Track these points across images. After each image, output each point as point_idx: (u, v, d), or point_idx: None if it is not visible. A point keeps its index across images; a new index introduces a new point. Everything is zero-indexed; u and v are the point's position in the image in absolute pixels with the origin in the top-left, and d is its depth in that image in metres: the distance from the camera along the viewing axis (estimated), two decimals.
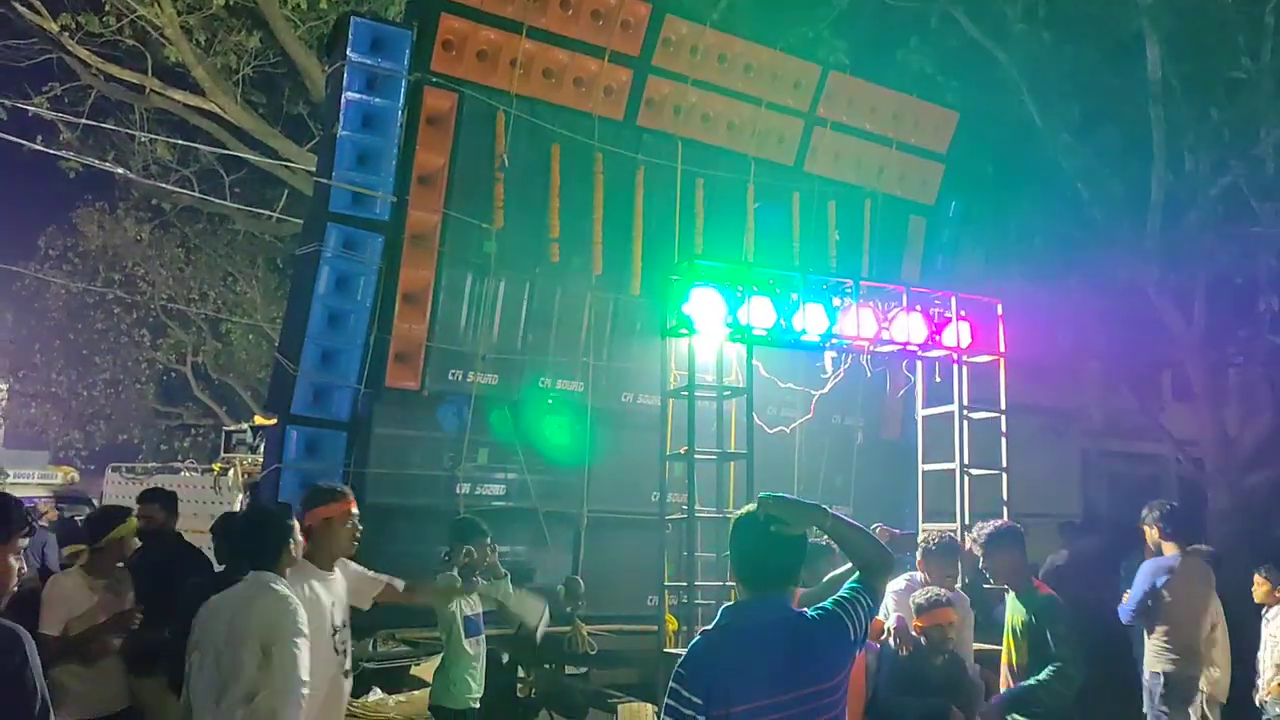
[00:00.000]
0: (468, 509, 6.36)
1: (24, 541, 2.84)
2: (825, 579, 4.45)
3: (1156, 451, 13.86)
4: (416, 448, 6.42)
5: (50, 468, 21.04)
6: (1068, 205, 11.44)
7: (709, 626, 2.90)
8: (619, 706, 7.17)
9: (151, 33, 13.20)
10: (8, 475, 18.15)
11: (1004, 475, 6.90)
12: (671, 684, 2.72)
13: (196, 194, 15.16)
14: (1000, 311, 6.98)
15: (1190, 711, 7.17)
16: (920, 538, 5.65)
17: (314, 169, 7.56)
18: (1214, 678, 7.16)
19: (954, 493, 6.75)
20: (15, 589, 2.91)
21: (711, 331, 6.08)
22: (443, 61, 6.37)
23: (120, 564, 5.17)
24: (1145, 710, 6.83)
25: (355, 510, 4.30)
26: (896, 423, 8.26)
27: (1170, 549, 6.76)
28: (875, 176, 8.22)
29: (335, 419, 6.21)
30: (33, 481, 19.35)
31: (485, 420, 6.63)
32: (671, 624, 6.15)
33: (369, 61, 6.20)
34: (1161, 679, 6.66)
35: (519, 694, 7.14)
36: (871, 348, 6.57)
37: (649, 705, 6.92)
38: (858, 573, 2.94)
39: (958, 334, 6.77)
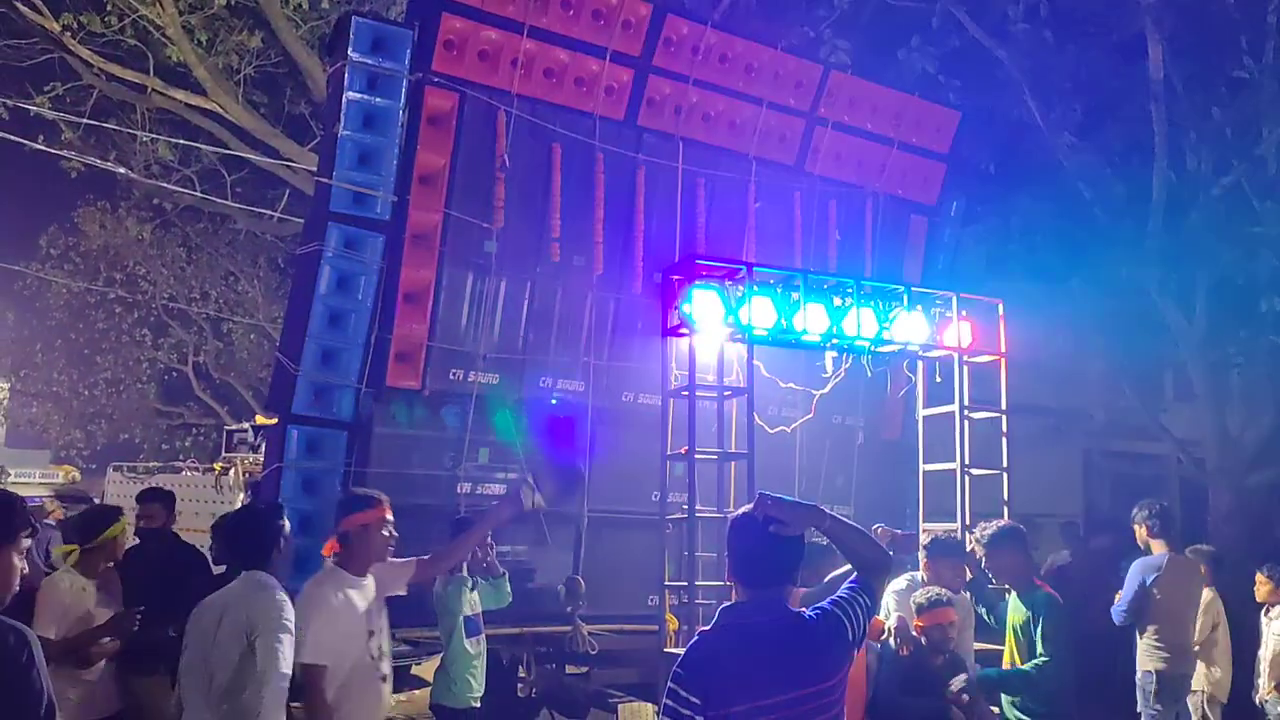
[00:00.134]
0: (469, 508, 6.37)
1: (27, 541, 2.84)
2: (826, 579, 4.46)
3: (1158, 452, 13.83)
4: (417, 447, 6.42)
5: (52, 467, 21.05)
6: (1069, 205, 11.44)
7: (707, 627, 2.90)
8: (620, 706, 7.17)
9: (153, 32, 13.21)
10: (9, 474, 18.18)
11: (1005, 475, 6.90)
12: (670, 684, 2.72)
13: (198, 194, 15.17)
14: (1001, 311, 6.98)
15: (1191, 711, 7.19)
16: (926, 538, 5.64)
17: (315, 169, 7.56)
18: (1215, 678, 7.18)
19: (955, 493, 6.75)
20: (18, 588, 2.92)
21: (712, 331, 6.08)
22: (444, 61, 6.37)
23: (109, 564, 5.17)
24: (1139, 709, 6.86)
25: (390, 516, 4.27)
26: (897, 423, 8.26)
27: (1159, 547, 6.81)
28: (876, 176, 8.21)
29: (336, 419, 6.21)
30: (34, 481, 19.37)
31: (486, 420, 6.64)
32: (672, 624, 6.15)
33: (370, 61, 6.20)
34: (1153, 677, 6.71)
35: (519, 693, 7.15)
36: (872, 348, 6.58)
37: (649, 705, 6.93)
38: (856, 573, 2.95)
39: (959, 334, 6.77)
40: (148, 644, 5.04)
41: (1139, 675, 6.83)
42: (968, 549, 5.59)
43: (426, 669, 7.42)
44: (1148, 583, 6.71)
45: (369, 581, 4.20)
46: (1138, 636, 6.87)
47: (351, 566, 4.13)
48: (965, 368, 6.86)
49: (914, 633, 5.05)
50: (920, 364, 7.09)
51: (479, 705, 5.57)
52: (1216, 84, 10.83)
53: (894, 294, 6.66)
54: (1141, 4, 10.04)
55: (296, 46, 12.58)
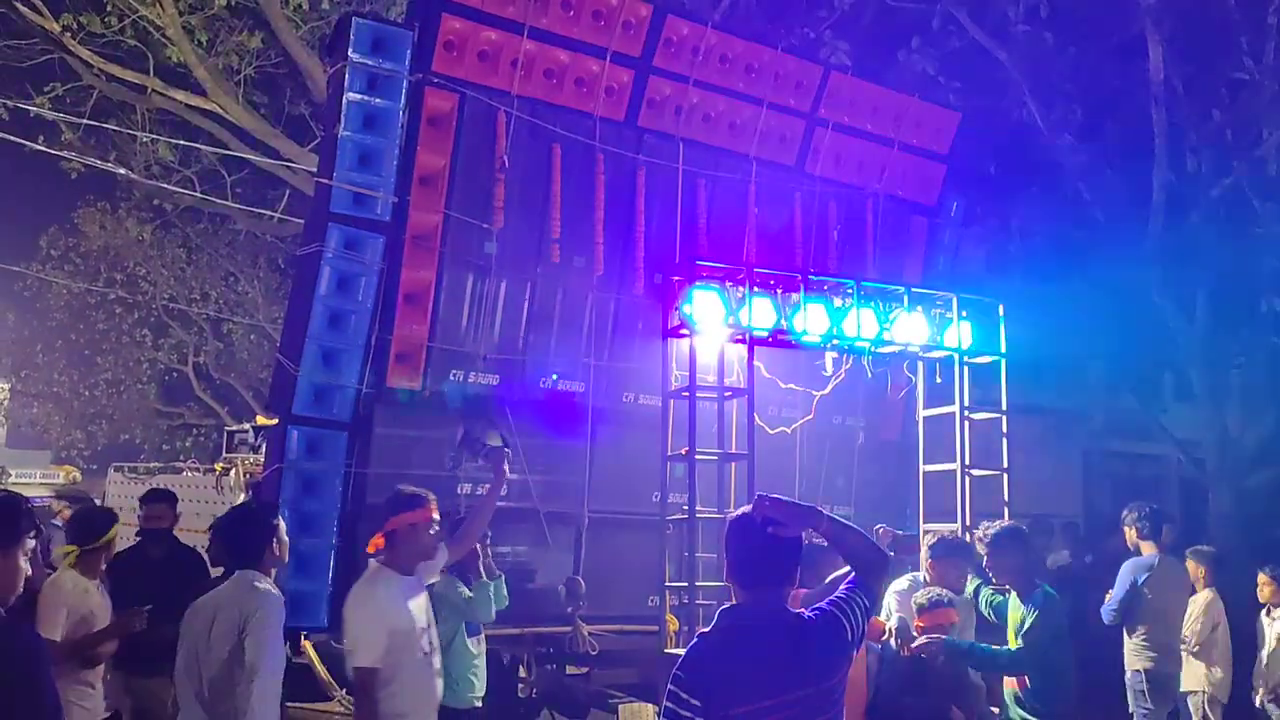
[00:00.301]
0: (469, 509, 6.36)
1: (32, 542, 2.84)
2: (826, 580, 4.46)
3: (1158, 452, 13.87)
4: (417, 447, 6.42)
5: (52, 467, 21.06)
6: (1069, 206, 11.45)
7: (707, 629, 2.90)
8: (620, 706, 7.18)
9: (153, 33, 13.21)
10: (10, 475, 18.19)
11: (1005, 476, 6.90)
12: (670, 687, 2.73)
13: (198, 194, 15.17)
14: (1002, 312, 6.98)
15: (1191, 711, 7.22)
16: (932, 539, 5.64)
17: (315, 169, 7.55)
18: (1215, 678, 7.20)
19: (955, 493, 6.75)
20: (21, 590, 2.92)
21: (713, 332, 6.09)
22: (444, 62, 6.36)
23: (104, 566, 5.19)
24: (1130, 709, 6.91)
25: (437, 515, 4.28)
26: (897, 423, 8.25)
27: (1149, 549, 6.89)
28: (877, 177, 8.21)
29: (336, 419, 6.21)
30: (35, 481, 19.39)
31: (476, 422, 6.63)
32: (672, 624, 6.15)
33: (370, 62, 6.19)
34: (1142, 676, 6.80)
35: (520, 694, 7.15)
36: (872, 348, 6.58)
37: (650, 705, 6.94)
38: (854, 574, 2.95)
39: (959, 334, 6.78)
40: (150, 645, 5.04)
41: (1128, 675, 6.92)
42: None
43: None
44: (1139, 582, 6.78)
45: (416, 579, 4.21)
46: (1126, 636, 6.95)
47: (398, 565, 4.13)
48: (965, 368, 6.87)
49: (915, 633, 5.06)
50: (920, 364, 7.09)
51: (480, 705, 5.58)
52: (1217, 85, 10.84)
53: (894, 295, 6.66)
54: (1141, 5, 10.05)
55: (296, 47, 12.58)
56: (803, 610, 2.87)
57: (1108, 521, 11.21)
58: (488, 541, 5.66)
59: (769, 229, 7.60)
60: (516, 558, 6.59)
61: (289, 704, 3.94)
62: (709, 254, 6.83)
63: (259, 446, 10.38)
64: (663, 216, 7.16)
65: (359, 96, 6.18)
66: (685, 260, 6.45)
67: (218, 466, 11.25)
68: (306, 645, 7.29)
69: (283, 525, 4.12)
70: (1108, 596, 7.03)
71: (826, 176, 7.96)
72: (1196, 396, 11.39)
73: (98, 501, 10.50)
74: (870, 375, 7.22)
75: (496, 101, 6.50)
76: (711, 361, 6.30)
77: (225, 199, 15.03)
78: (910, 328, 6.59)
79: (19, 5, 13.06)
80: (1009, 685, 5.24)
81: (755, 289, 6.18)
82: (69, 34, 13.23)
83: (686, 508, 6.00)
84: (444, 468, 6.43)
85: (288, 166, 13.90)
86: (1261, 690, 7.10)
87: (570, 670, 7.13)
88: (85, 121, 13.69)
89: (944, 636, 4.86)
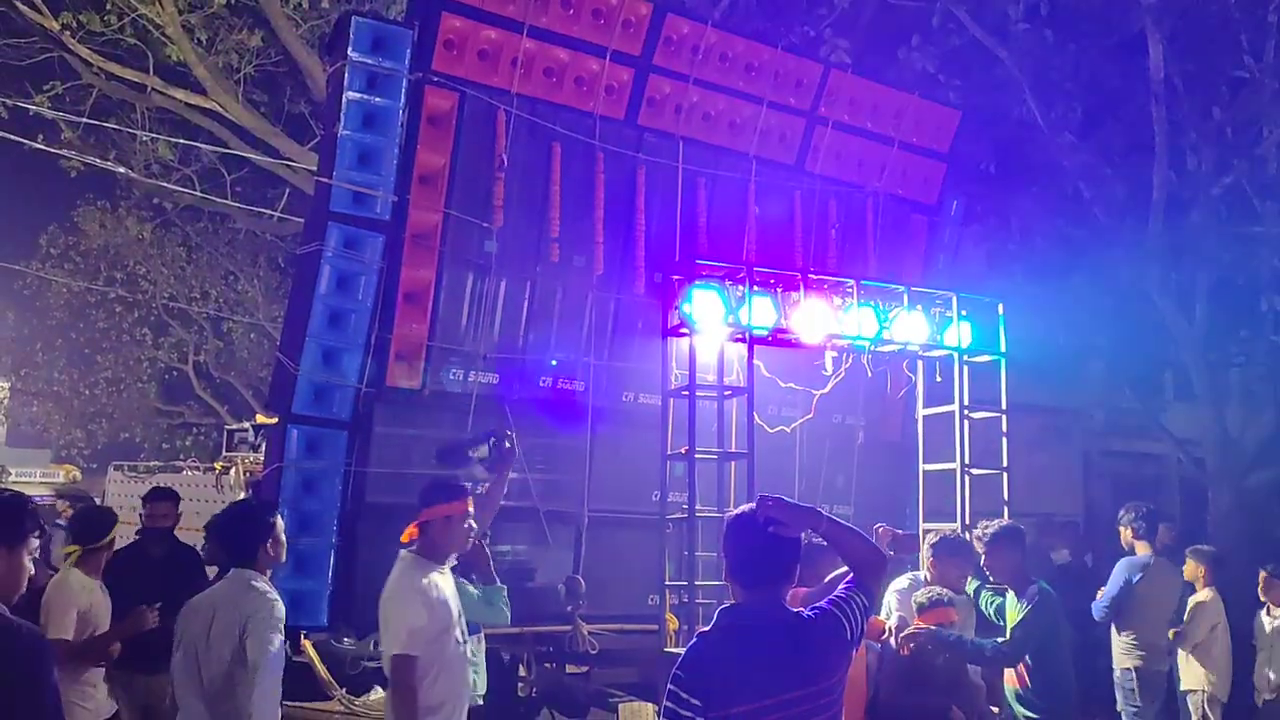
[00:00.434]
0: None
1: (35, 542, 2.84)
2: (826, 579, 4.46)
3: (1158, 452, 13.87)
4: (417, 446, 6.42)
5: (52, 466, 21.07)
6: (1069, 204, 11.45)
7: (706, 628, 2.91)
8: (620, 706, 7.18)
9: (153, 31, 13.19)
10: (10, 474, 18.20)
11: (1005, 475, 6.90)
12: (670, 686, 2.73)
13: (198, 193, 15.15)
14: (1001, 311, 6.98)
15: (1191, 711, 7.23)
16: (933, 537, 5.64)
17: (315, 168, 7.55)
18: (1215, 678, 7.20)
19: (955, 493, 6.75)
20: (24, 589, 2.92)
21: (712, 331, 6.08)
22: (444, 61, 6.36)
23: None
24: (1119, 707, 6.93)
25: (471, 509, 4.29)
26: (897, 422, 8.25)
27: (1143, 549, 6.92)
28: (877, 176, 8.21)
29: (336, 418, 6.21)
30: (35, 480, 19.39)
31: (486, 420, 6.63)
32: (672, 623, 6.15)
33: (370, 61, 6.19)
34: (1132, 674, 6.83)
35: (519, 693, 7.15)
36: (872, 347, 6.58)
37: (650, 705, 6.93)
38: (852, 573, 2.96)
39: (959, 333, 6.78)
40: (151, 642, 5.05)
41: (1117, 674, 6.95)
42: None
43: None
44: (1133, 581, 6.81)
45: (448, 570, 4.21)
46: (1115, 635, 6.97)
47: (432, 555, 4.14)
48: (965, 367, 6.86)
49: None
50: (920, 363, 7.08)
51: (481, 704, 5.57)
52: (1217, 83, 10.83)
53: (894, 293, 6.66)
54: (1142, 3, 10.04)
55: (296, 46, 12.57)
56: (802, 610, 2.88)
57: (1108, 521, 11.22)
58: (487, 541, 5.65)
59: (769, 228, 7.59)
60: (516, 556, 6.59)
61: (289, 703, 3.93)
62: (709, 253, 6.83)
63: (259, 445, 10.38)
64: (663, 215, 7.16)
65: (359, 95, 6.18)
66: (685, 259, 6.45)
67: (218, 465, 11.26)
68: (306, 644, 7.28)
69: (280, 525, 4.10)
70: (1099, 594, 7.04)
71: (826, 175, 7.95)
72: (1196, 396, 11.39)
73: (97, 500, 10.51)
74: (870, 374, 7.23)
75: (496, 100, 6.50)
76: (711, 360, 6.30)
77: (225, 198, 15.03)
78: (910, 326, 6.59)
79: (19, 4, 13.05)
80: (1010, 684, 5.25)
81: (755, 288, 6.18)
82: (68, 32, 13.22)
83: (686, 507, 6.00)
84: (444, 467, 6.42)
85: (288, 165, 13.89)
86: (1260, 689, 7.12)
87: (570, 669, 7.12)
88: (85, 120, 13.69)
89: (930, 626, 4.86)
